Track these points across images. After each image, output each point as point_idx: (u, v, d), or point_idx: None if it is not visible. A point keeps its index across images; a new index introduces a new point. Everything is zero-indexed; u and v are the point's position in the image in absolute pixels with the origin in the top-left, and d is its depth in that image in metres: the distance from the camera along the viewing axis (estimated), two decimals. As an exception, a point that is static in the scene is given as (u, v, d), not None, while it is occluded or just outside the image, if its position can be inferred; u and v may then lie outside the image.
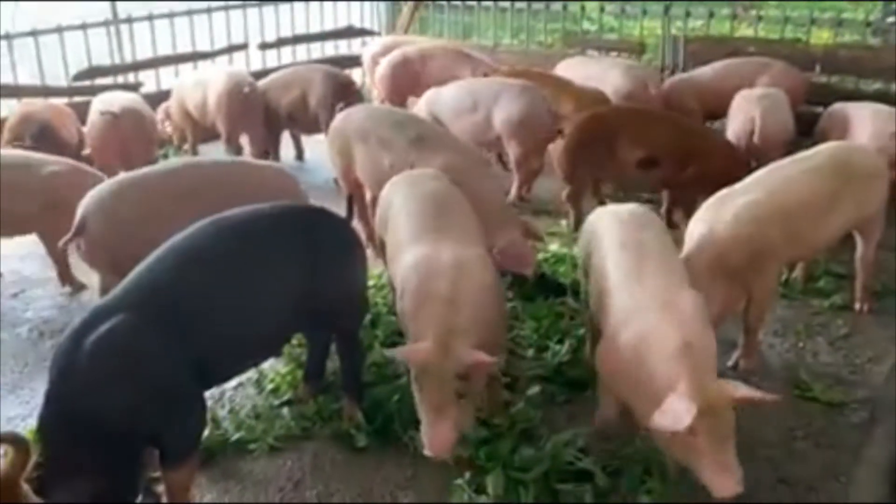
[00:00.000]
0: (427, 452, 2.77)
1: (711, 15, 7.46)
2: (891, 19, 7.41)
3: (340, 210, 3.55)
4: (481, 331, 2.94)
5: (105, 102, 5.70)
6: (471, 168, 4.26)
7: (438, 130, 4.90)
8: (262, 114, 6.44)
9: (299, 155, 7.10)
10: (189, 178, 4.04)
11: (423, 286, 3.04)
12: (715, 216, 3.65)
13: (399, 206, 3.58)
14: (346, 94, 6.30)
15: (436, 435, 2.74)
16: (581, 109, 5.64)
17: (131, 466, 2.67)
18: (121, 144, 5.46)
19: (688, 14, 7.34)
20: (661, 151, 5.08)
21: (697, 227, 3.68)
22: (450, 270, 3.06)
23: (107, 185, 4.01)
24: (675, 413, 2.48)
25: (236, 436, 3.37)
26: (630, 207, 3.53)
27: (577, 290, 4.15)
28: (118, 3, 7.08)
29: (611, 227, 3.34)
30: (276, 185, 4.10)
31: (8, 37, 6.33)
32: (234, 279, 2.89)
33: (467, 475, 3.07)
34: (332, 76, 6.50)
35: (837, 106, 5.56)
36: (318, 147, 6.54)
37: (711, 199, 3.78)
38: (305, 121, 6.52)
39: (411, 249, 3.26)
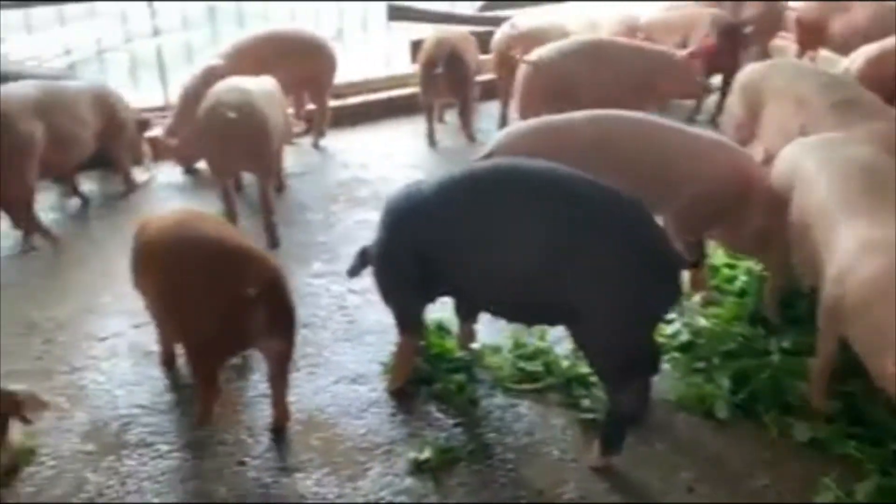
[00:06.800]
0: None
1: None
2: None
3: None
4: None
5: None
6: None
7: (869, 97, 4.18)
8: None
9: None
10: (609, 133, 3.62)
11: None
12: None
13: (817, 169, 3.22)
14: (732, 43, 5.81)
15: None
16: None
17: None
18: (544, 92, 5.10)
19: None
20: None
21: None
22: None
23: (525, 124, 3.86)
24: None
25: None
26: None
27: None
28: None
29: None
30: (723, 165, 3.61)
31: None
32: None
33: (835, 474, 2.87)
34: (717, 22, 6.02)
35: None
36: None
37: None
38: None
39: (855, 226, 2.87)
